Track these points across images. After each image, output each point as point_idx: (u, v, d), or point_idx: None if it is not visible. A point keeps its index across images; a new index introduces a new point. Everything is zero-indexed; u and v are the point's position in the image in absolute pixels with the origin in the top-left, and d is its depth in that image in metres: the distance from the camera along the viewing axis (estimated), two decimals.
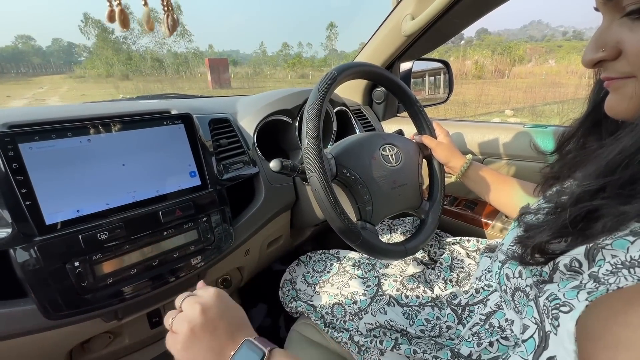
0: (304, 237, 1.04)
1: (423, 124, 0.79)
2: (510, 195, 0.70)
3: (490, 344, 0.48)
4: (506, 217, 0.95)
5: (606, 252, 0.26)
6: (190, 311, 0.37)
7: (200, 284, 0.44)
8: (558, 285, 0.29)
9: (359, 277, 0.74)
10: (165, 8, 0.34)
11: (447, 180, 0.82)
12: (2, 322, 0.46)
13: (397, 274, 0.74)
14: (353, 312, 0.65)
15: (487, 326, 0.50)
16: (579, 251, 0.28)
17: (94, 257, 0.51)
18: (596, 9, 0.35)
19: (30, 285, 0.46)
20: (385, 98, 1.18)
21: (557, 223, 0.33)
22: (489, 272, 0.60)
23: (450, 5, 0.83)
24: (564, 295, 0.26)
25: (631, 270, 0.23)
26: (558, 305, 0.26)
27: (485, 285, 0.57)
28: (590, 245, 0.27)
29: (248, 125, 0.79)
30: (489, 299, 0.54)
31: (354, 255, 0.82)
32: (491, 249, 0.72)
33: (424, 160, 0.80)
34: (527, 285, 0.38)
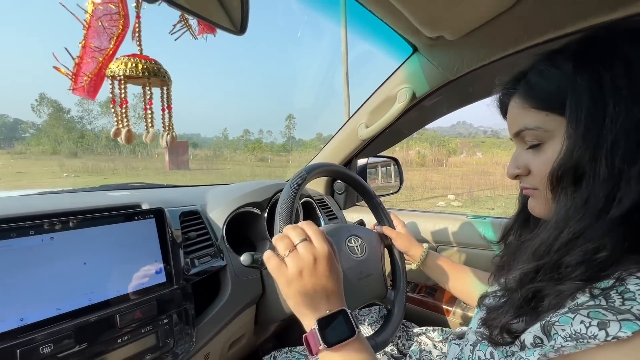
0: (267, 334, 0.97)
1: (382, 216, 0.87)
2: (465, 283, 0.76)
3: None
4: (464, 303, 0.99)
5: (557, 327, 0.32)
6: (306, 256, 0.42)
7: (313, 229, 0.46)
8: (525, 353, 0.35)
9: None
10: (167, 128, 0.40)
11: (407, 267, 0.87)
12: None
13: None
14: None
15: None
16: (536, 328, 0.34)
17: None
18: (511, 139, 0.47)
19: None
20: (345, 189, 1.28)
21: (513, 304, 0.39)
22: (459, 359, 0.61)
23: (396, 118, 1.01)
24: (526, 354, 0.35)
25: (577, 341, 0.30)
26: None
27: None
28: (543, 322, 0.34)
29: (218, 216, 0.80)
30: None
31: None
32: (459, 336, 0.74)
33: (385, 249, 0.85)
34: None
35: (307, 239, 0.45)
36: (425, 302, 1.03)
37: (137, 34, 0.40)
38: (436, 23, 0.71)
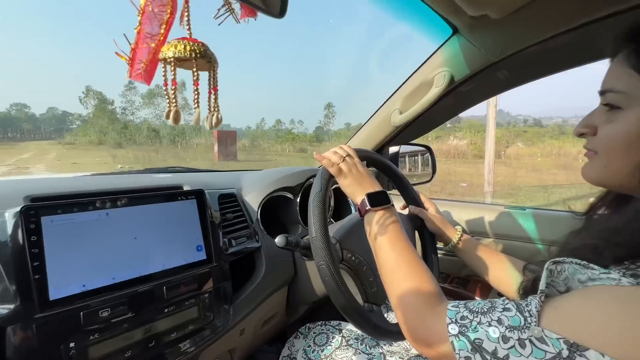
0: (297, 316, 1.00)
1: (411, 197, 0.86)
2: (504, 271, 0.72)
3: None
4: (499, 294, 0.96)
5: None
6: (350, 163, 0.65)
7: (350, 150, 0.68)
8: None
9: (364, 352, 0.72)
10: (212, 109, 0.42)
11: (439, 255, 0.85)
12: None
13: (402, 352, 0.72)
14: None
15: None
16: None
17: (91, 337, 0.48)
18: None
19: None
20: (376, 176, 1.27)
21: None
22: None
23: (432, 104, 0.98)
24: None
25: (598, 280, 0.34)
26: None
27: None
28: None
29: (253, 200, 0.83)
30: None
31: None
32: None
33: (415, 232, 0.84)
34: None
35: (349, 154, 0.66)
36: (456, 292, 1.01)
37: (185, 18, 0.42)
38: (480, 0, 0.67)
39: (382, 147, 1.20)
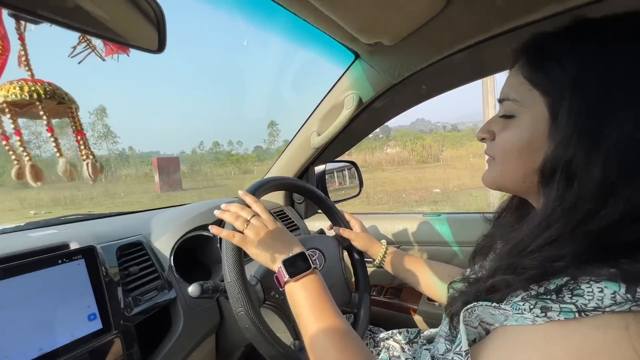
0: None
1: (336, 217, 0.86)
2: (427, 277, 0.76)
3: None
4: (429, 299, 1.01)
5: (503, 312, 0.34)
6: (258, 224, 0.56)
7: (258, 206, 0.59)
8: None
9: None
10: (84, 156, 0.35)
11: (370, 269, 0.86)
12: None
13: None
14: None
15: None
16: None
17: None
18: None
19: None
20: (304, 198, 1.26)
21: (470, 294, 0.39)
22: None
23: (347, 124, 1.01)
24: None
25: (516, 317, 0.33)
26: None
27: None
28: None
29: (164, 245, 0.75)
30: None
31: None
32: (428, 340, 0.73)
33: (344, 251, 0.84)
34: None
35: (255, 214, 0.57)
36: (390, 303, 1.03)
37: (23, 59, 0.35)
38: (371, 30, 0.71)
39: (306, 169, 1.20)
